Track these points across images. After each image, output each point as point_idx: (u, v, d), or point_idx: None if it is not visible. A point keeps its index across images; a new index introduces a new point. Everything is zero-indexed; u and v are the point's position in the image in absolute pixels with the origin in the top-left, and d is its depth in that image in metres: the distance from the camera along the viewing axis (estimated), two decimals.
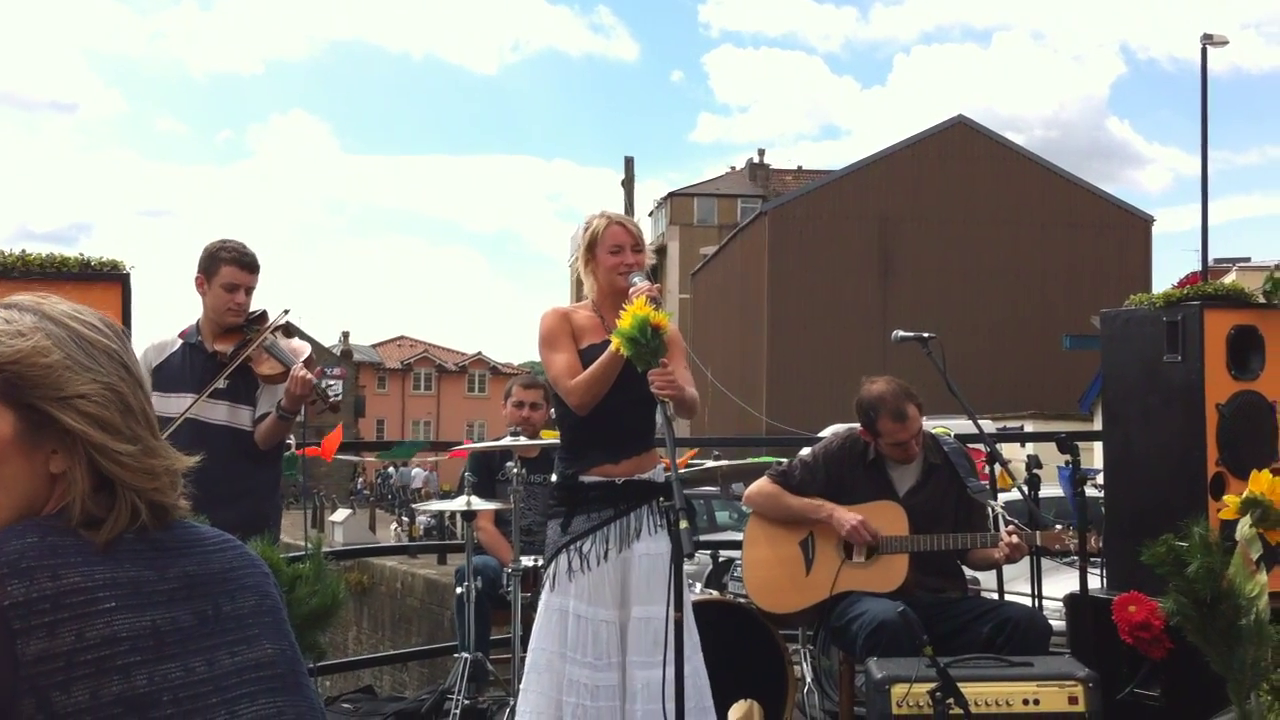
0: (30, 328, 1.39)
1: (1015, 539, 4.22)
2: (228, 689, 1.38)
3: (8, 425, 1.35)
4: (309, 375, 4.11)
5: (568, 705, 3.55)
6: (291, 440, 4.79)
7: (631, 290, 3.54)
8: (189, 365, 4.27)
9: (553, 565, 3.68)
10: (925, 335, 4.76)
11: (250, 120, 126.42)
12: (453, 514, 7.37)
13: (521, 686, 3.72)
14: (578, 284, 4.12)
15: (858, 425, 4.51)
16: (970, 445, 4.92)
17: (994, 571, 4.91)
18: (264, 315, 4.38)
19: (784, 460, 4.84)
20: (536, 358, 3.91)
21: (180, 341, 4.35)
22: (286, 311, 4.42)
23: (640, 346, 3.29)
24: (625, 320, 3.31)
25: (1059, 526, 4.41)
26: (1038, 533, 4.34)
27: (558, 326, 3.76)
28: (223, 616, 1.42)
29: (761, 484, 4.57)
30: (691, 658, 3.45)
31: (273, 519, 4.37)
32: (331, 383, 4.23)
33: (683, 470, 4.19)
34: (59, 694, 1.24)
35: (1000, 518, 4.27)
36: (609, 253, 3.74)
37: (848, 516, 4.33)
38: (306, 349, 4.38)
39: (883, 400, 4.33)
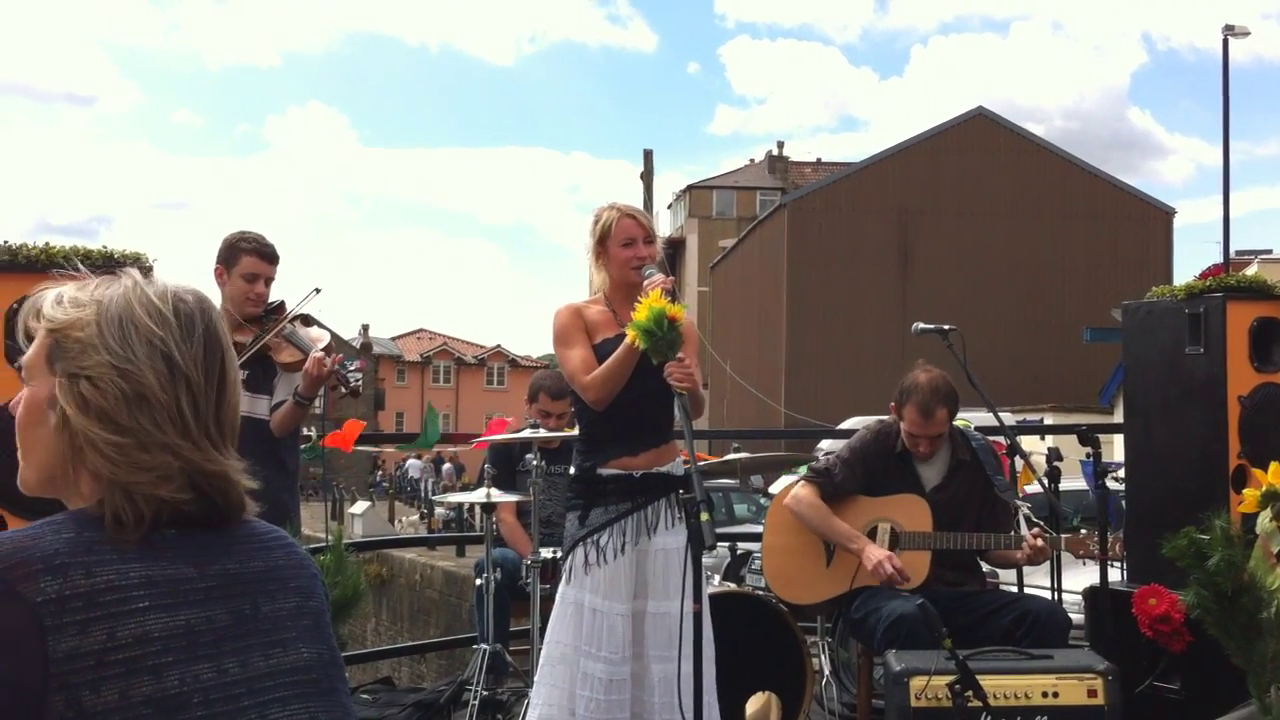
0: (92, 299, 1.39)
1: (1040, 542, 4.17)
2: (260, 691, 1.37)
3: (46, 389, 1.37)
4: (326, 359, 4.12)
5: (581, 698, 3.55)
6: (313, 431, 4.80)
7: (646, 283, 3.51)
8: None
9: (570, 558, 3.67)
10: (946, 327, 4.74)
11: (268, 112, 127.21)
12: (472, 505, 7.38)
13: (536, 678, 3.73)
14: None
15: (879, 418, 4.50)
16: (990, 438, 4.91)
17: None
18: (282, 306, 4.39)
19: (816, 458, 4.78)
20: (554, 351, 3.90)
21: None
22: (317, 290, 4.41)
23: (657, 339, 3.27)
24: (641, 313, 3.28)
25: (1084, 532, 4.37)
26: (1063, 537, 4.31)
27: (571, 323, 3.73)
28: (260, 617, 1.40)
29: (806, 491, 4.46)
30: (706, 652, 3.44)
31: (293, 510, 4.38)
32: (352, 367, 4.23)
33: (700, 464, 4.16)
34: (89, 693, 1.24)
35: (1027, 518, 4.24)
36: (621, 246, 3.71)
37: (876, 553, 4.26)
38: (326, 337, 4.38)
39: (918, 389, 4.32)
